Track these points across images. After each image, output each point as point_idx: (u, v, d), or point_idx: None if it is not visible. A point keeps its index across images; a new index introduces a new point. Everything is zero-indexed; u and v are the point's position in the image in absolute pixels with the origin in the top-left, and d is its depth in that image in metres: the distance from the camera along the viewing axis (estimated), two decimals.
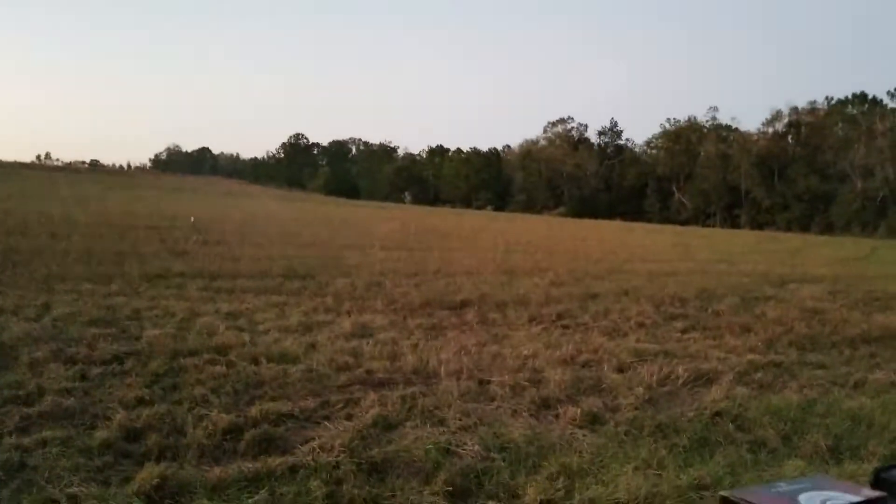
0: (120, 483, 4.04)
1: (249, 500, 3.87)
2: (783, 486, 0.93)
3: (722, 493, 0.93)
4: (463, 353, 7.54)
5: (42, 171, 70.64)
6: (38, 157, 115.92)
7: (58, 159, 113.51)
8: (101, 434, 4.65)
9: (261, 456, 4.53)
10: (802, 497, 0.89)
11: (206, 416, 5.09)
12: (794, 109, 74.60)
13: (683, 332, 9.69)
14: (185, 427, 4.90)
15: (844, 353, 8.82)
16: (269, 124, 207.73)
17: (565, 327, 9.46)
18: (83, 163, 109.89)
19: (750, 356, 8.16)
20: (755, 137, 76.13)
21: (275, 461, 4.39)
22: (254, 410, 5.27)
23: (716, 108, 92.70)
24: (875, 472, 1.05)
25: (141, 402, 5.39)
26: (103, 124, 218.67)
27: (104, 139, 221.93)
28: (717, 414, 5.85)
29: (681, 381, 6.91)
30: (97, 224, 19.97)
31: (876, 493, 0.95)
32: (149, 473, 4.04)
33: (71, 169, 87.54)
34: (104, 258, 13.08)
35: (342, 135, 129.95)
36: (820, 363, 8.15)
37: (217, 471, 4.20)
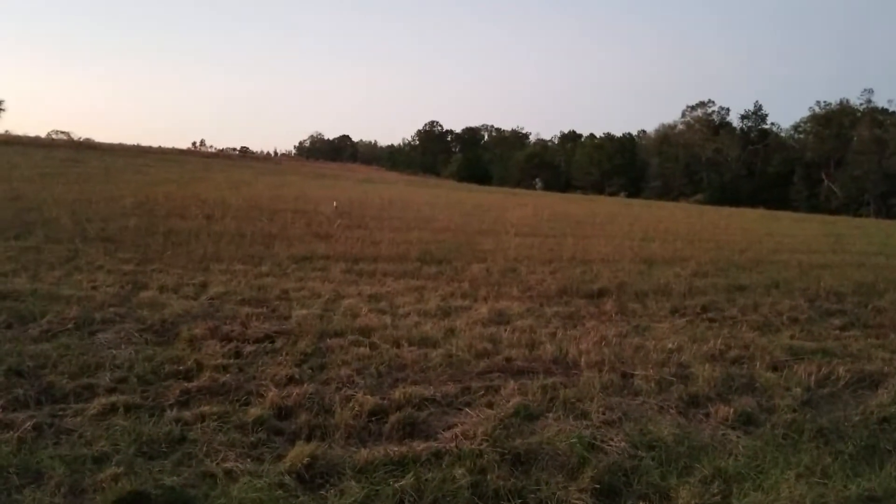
0: (273, 460, 4.18)
1: (396, 485, 3.90)
2: None
3: None
4: (603, 343, 7.35)
5: (197, 157, 74.68)
6: (194, 143, 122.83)
7: (211, 146, 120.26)
8: (254, 411, 4.84)
9: (405, 440, 4.60)
10: None
11: (352, 396, 5.21)
12: None
13: (842, 329, 9.07)
14: (332, 407, 5.04)
15: None
16: (405, 113, 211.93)
17: (711, 320, 9.04)
18: (234, 149, 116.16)
19: None
20: None
21: (419, 446, 4.43)
22: (397, 393, 5.36)
23: (871, 91, 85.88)
24: None
25: (291, 380, 5.60)
26: (252, 113, 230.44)
27: (253, 127, 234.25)
28: (885, 419, 5.44)
29: (842, 383, 6.47)
30: (248, 207, 20.88)
31: None
32: (300, 452, 4.16)
33: (223, 155, 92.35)
34: (255, 240, 13.70)
35: (475, 122, 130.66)
36: None
37: (364, 452, 4.28)
